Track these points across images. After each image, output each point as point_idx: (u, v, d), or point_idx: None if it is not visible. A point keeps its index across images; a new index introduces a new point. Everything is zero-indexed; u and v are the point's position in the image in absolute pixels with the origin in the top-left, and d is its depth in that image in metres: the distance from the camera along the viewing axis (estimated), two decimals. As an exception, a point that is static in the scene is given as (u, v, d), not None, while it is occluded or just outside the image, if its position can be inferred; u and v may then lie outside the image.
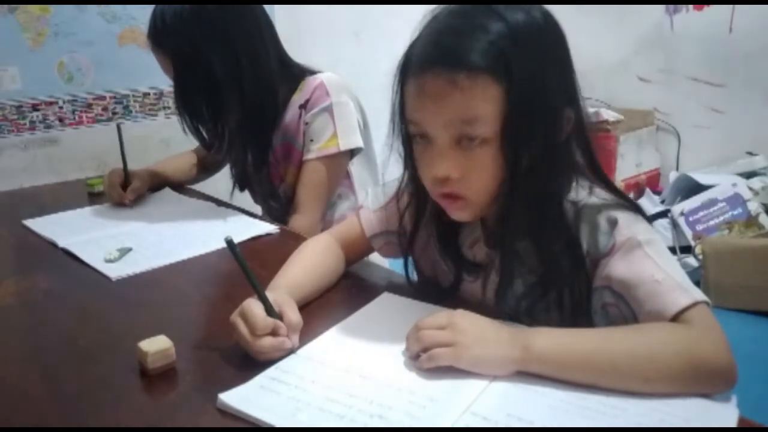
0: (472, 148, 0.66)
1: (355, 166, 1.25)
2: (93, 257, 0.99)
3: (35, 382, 0.66)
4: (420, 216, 0.80)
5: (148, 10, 2.08)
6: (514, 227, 0.71)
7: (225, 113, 1.15)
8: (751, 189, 2.35)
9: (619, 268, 0.66)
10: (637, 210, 0.71)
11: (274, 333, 0.65)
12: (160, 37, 1.12)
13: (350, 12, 2.59)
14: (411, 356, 0.63)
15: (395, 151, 0.75)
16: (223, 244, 0.68)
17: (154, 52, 1.15)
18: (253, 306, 0.67)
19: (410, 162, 0.74)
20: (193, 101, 1.14)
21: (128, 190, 1.26)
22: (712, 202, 2.33)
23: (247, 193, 1.45)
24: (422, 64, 0.65)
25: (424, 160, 0.70)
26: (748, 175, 2.47)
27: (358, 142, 1.18)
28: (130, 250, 1.02)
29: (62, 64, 2.00)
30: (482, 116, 0.64)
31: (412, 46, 0.68)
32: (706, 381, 0.57)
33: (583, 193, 0.72)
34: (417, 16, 0.71)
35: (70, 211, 1.26)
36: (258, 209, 1.38)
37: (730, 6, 2.56)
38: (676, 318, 0.61)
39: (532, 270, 0.73)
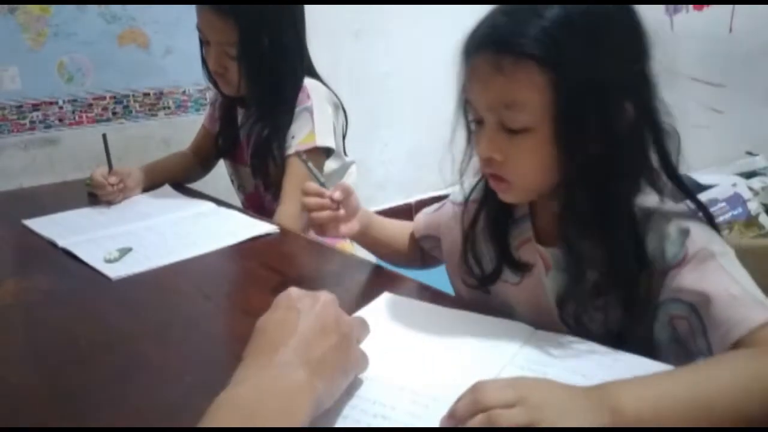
0: (517, 133, 0.65)
1: (326, 168, 1.33)
2: (93, 257, 0.99)
3: (35, 382, 0.66)
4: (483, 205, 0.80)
5: (148, 10, 2.11)
6: (574, 223, 0.69)
7: (280, 80, 1.26)
8: (751, 189, 2.35)
9: (690, 279, 0.63)
10: (711, 221, 0.69)
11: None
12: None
13: (350, 12, 2.59)
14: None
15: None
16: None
17: (213, 15, 1.20)
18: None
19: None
20: (251, 63, 1.22)
21: (121, 188, 1.29)
22: (712, 202, 2.33)
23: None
24: (475, 46, 0.66)
25: (476, 140, 0.71)
26: (748, 175, 2.47)
27: (332, 143, 1.29)
28: (130, 250, 1.02)
29: (62, 64, 2.00)
30: (524, 103, 0.63)
31: (473, 28, 0.67)
32: None
33: (653, 199, 0.69)
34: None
35: (69, 211, 1.26)
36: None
37: (730, 6, 2.57)
38: (752, 334, 0.58)
39: (590, 271, 0.69)
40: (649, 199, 0.69)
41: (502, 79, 0.63)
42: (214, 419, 0.46)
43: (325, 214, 0.83)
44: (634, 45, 0.66)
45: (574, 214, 0.69)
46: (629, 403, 0.50)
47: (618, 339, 0.68)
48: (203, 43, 1.27)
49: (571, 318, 0.71)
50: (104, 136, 1.34)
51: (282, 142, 1.29)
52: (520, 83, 0.63)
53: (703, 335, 0.62)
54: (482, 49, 0.65)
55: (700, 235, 0.66)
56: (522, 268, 0.76)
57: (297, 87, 1.29)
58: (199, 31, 1.25)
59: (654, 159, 0.69)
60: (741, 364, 0.55)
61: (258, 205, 1.42)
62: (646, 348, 0.67)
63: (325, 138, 1.27)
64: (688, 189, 0.71)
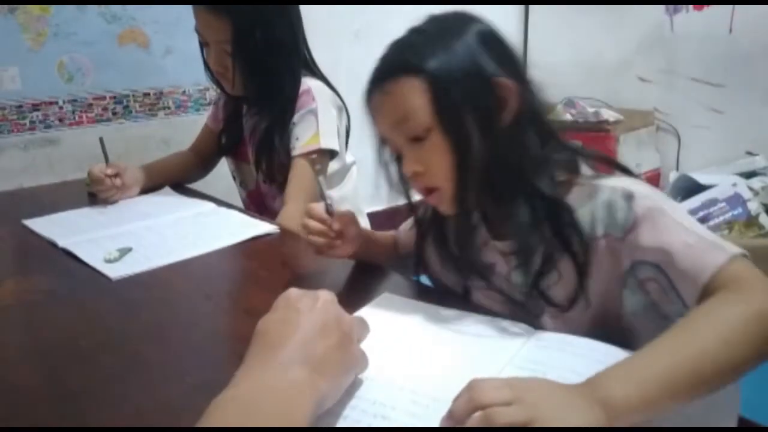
0: (423, 141, 0.72)
1: (329, 169, 1.34)
2: (93, 257, 0.99)
3: (35, 382, 0.66)
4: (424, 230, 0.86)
5: (148, 10, 2.11)
6: (492, 202, 0.75)
7: (276, 74, 1.28)
8: (751, 189, 2.35)
9: (647, 238, 0.67)
10: (613, 164, 0.76)
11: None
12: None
13: (350, 12, 2.59)
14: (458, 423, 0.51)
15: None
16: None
17: (208, 15, 1.21)
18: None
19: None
20: (246, 59, 1.24)
21: (118, 186, 1.31)
22: (712, 202, 2.33)
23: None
24: (368, 94, 0.76)
25: (403, 169, 0.77)
26: (748, 175, 2.46)
27: (335, 145, 1.30)
28: (130, 250, 1.02)
29: (62, 64, 2.00)
30: (413, 109, 0.71)
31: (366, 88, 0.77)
32: None
33: (588, 174, 0.75)
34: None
35: (69, 211, 1.26)
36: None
37: (730, 6, 2.56)
38: (716, 277, 0.60)
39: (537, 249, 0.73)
40: (583, 176, 0.75)
41: (390, 99, 0.72)
42: (213, 419, 0.46)
43: (322, 240, 0.87)
44: (482, 42, 0.72)
45: (490, 195, 0.75)
46: (617, 390, 0.51)
47: (594, 324, 0.73)
48: (203, 44, 1.27)
49: (536, 294, 0.74)
50: (101, 139, 1.35)
51: (283, 135, 1.30)
52: (404, 95, 0.71)
53: (674, 290, 0.65)
54: (370, 91, 0.75)
55: (643, 194, 0.69)
56: (485, 270, 0.79)
57: (295, 80, 1.30)
58: (198, 33, 1.26)
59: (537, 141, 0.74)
60: (714, 317, 0.56)
61: (259, 201, 1.43)
62: (621, 327, 0.72)
63: (329, 140, 1.28)
64: (608, 157, 0.78)
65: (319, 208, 0.87)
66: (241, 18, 1.20)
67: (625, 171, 0.76)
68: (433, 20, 0.75)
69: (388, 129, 0.75)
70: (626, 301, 0.72)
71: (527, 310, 0.75)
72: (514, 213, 0.73)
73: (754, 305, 0.56)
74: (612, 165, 0.78)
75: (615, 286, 0.72)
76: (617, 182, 0.72)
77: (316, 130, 1.27)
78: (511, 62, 0.74)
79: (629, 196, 0.69)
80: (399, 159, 0.77)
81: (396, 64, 0.73)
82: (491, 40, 0.73)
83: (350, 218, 0.87)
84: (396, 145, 0.76)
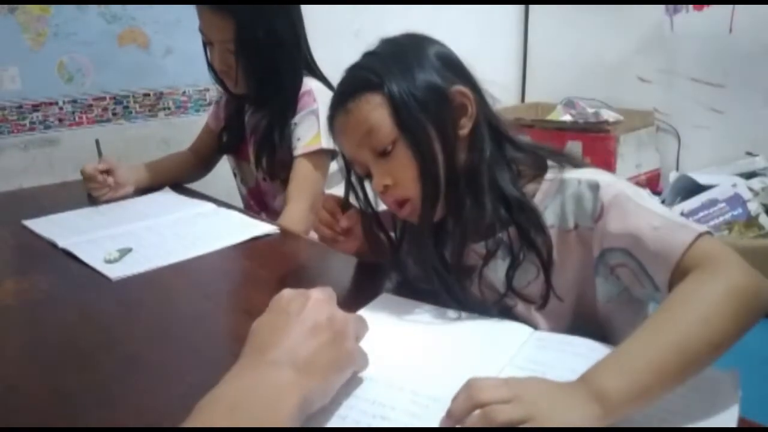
0: (390, 153, 0.74)
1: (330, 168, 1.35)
2: (93, 257, 0.99)
3: (35, 382, 0.66)
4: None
5: (148, 10, 2.10)
6: (456, 206, 0.75)
7: (278, 72, 1.28)
8: (751, 189, 2.35)
9: (614, 225, 0.68)
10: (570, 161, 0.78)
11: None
12: None
13: (350, 12, 2.59)
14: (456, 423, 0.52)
15: None
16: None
17: (212, 15, 1.22)
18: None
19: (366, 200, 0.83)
20: (248, 57, 1.24)
21: (110, 183, 1.32)
22: (712, 202, 2.33)
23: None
24: (331, 118, 0.78)
25: (373, 188, 0.78)
26: (748, 175, 2.46)
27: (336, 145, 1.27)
28: (130, 250, 1.02)
29: (62, 65, 2.00)
30: (377, 124, 0.73)
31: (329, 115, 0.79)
32: (756, 305, 0.57)
33: (553, 169, 0.77)
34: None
35: (69, 211, 1.26)
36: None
37: (730, 6, 2.56)
38: (686, 256, 0.62)
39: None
40: (550, 171, 0.77)
41: (353, 117, 0.74)
42: (198, 416, 0.47)
43: (328, 232, 0.88)
44: (438, 58, 0.75)
45: (456, 200, 0.75)
46: (609, 382, 0.51)
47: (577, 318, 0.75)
48: (207, 44, 1.28)
49: (509, 287, 0.76)
50: (97, 141, 1.37)
51: (283, 132, 1.30)
52: (366, 112, 0.73)
53: (645, 274, 0.66)
54: (333, 115, 0.78)
55: (609, 183, 0.72)
56: (463, 272, 0.79)
57: (296, 78, 1.31)
58: (201, 33, 1.26)
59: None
60: (692, 298, 0.58)
61: (260, 199, 1.43)
62: (600, 317, 0.75)
63: (330, 140, 1.28)
64: (540, 152, 0.79)
65: (334, 200, 0.89)
66: (243, 17, 1.21)
67: (577, 164, 0.78)
68: (388, 42, 0.78)
69: (354, 147, 0.76)
70: (599, 288, 0.74)
71: (504, 304, 0.77)
72: (480, 216, 0.74)
73: (728, 281, 0.58)
74: (563, 158, 0.79)
75: (588, 275, 0.74)
76: (582, 174, 0.75)
77: (318, 131, 1.27)
78: (466, 75, 0.77)
79: (595, 186, 0.72)
80: (368, 177, 0.79)
81: (355, 83, 0.75)
82: (440, 53, 0.76)
83: (358, 217, 0.88)
84: (363, 163, 0.77)
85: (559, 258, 0.75)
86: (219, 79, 1.32)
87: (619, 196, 0.69)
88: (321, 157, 1.29)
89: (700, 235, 0.63)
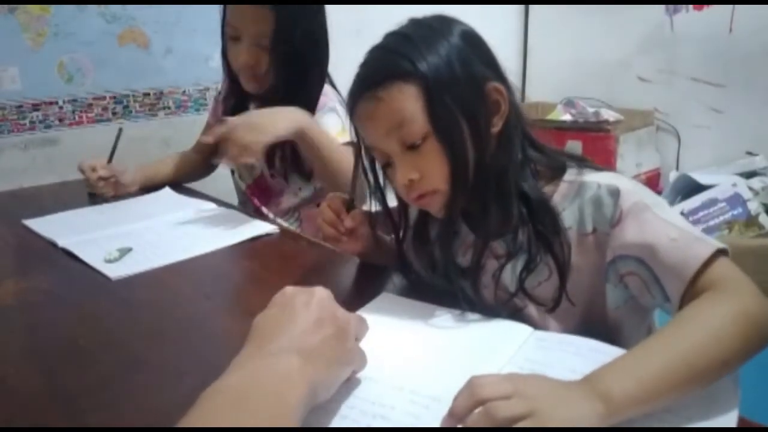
0: (419, 147, 0.71)
1: None
2: (93, 257, 0.99)
3: (35, 382, 0.66)
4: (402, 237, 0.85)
5: (148, 10, 2.10)
6: (479, 205, 0.74)
7: (305, 71, 1.28)
8: (751, 189, 2.35)
9: (631, 233, 0.68)
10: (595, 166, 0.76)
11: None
12: None
13: (350, 12, 2.59)
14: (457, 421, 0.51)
15: None
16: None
17: (251, 8, 1.22)
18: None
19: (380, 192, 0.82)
20: (282, 53, 1.24)
21: (116, 184, 1.32)
22: (712, 202, 2.33)
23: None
24: (353, 100, 0.74)
25: (391, 179, 0.77)
26: (748, 175, 2.46)
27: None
28: (130, 250, 1.02)
29: (62, 65, 2.00)
30: (411, 115, 0.70)
31: (348, 93, 0.76)
32: (766, 332, 0.58)
33: (573, 171, 0.76)
34: (417, 16, 0.73)
35: (70, 211, 1.26)
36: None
37: (730, 6, 2.56)
38: (702, 274, 0.62)
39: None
40: (569, 174, 0.76)
41: (384, 106, 0.70)
42: (202, 409, 0.45)
43: (332, 231, 0.87)
44: (468, 44, 0.72)
45: (477, 198, 0.73)
46: (615, 384, 0.51)
47: (584, 322, 0.74)
48: (230, 40, 1.26)
49: (521, 288, 0.74)
50: (120, 130, 1.37)
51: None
52: (399, 101, 0.70)
53: (657, 284, 0.66)
54: (358, 97, 0.73)
55: (629, 190, 0.71)
56: (471, 271, 0.77)
57: (322, 78, 1.32)
58: (229, 28, 1.25)
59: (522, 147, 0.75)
60: (704, 316, 0.58)
61: (259, 194, 1.41)
62: (608, 323, 0.74)
63: (349, 137, 1.29)
64: (556, 154, 0.78)
65: (339, 200, 0.88)
66: (284, 12, 1.21)
67: (596, 167, 0.77)
68: (415, 23, 0.74)
69: (381, 137, 0.73)
70: (609, 295, 0.73)
71: (513, 305, 0.76)
72: (506, 216, 0.73)
73: (740, 305, 0.58)
74: (582, 161, 0.78)
75: (600, 281, 0.73)
76: (602, 177, 0.73)
77: (342, 126, 1.27)
78: (494, 63, 0.75)
79: (615, 192, 0.70)
80: (386, 166, 0.77)
81: (386, 69, 0.71)
82: (475, 41, 0.74)
83: (363, 218, 0.87)
84: (386, 153, 0.74)
85: (575, 261, 0.73)
86: (232, 76, 1.30)
87: (639, 204, 0.69)
88: (348, 150, 1.26)
89: (718, 250, 0.63)
